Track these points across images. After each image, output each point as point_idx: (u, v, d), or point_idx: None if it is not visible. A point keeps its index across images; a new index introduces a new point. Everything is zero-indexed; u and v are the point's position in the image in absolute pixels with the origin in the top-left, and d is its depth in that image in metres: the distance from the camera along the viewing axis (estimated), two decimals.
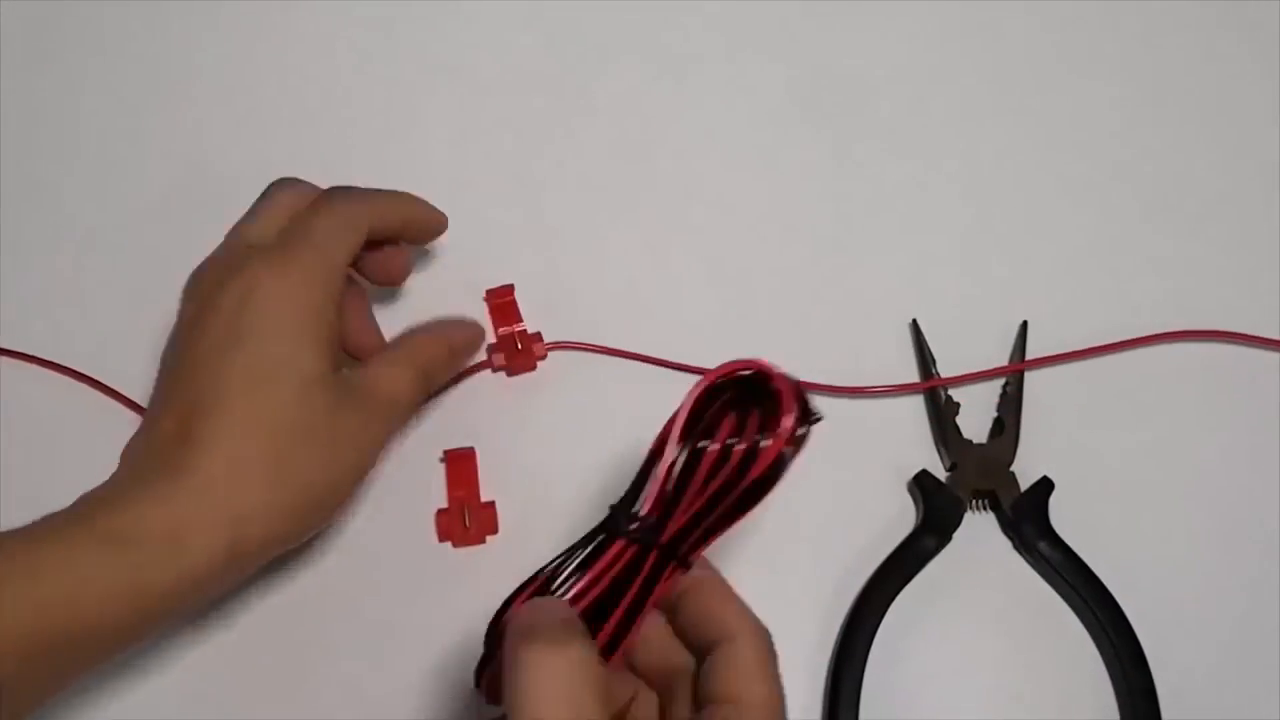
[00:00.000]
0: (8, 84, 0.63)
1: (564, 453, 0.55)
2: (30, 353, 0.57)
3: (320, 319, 0.46)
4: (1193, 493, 0.55)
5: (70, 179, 0.61)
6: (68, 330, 0.58)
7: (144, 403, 0.55)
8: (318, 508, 0.45)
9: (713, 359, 0.55)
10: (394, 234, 0.52)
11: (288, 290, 0.45)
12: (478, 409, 0.56)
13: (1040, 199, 0.61)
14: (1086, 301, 0.58)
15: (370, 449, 0.47)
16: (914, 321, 0.57)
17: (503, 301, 0.57)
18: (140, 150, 0.62)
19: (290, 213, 0.49)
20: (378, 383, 0.48)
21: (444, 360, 0.52)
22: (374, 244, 0.51)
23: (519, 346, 0.56)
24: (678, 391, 0.55)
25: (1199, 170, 0.61)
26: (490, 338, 0.57)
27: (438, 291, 0.58)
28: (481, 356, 0.56)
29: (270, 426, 0.43)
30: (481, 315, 0.57)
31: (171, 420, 0.44)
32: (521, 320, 0.57)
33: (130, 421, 0.55)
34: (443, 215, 0.54)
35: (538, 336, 0.56)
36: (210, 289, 0.46)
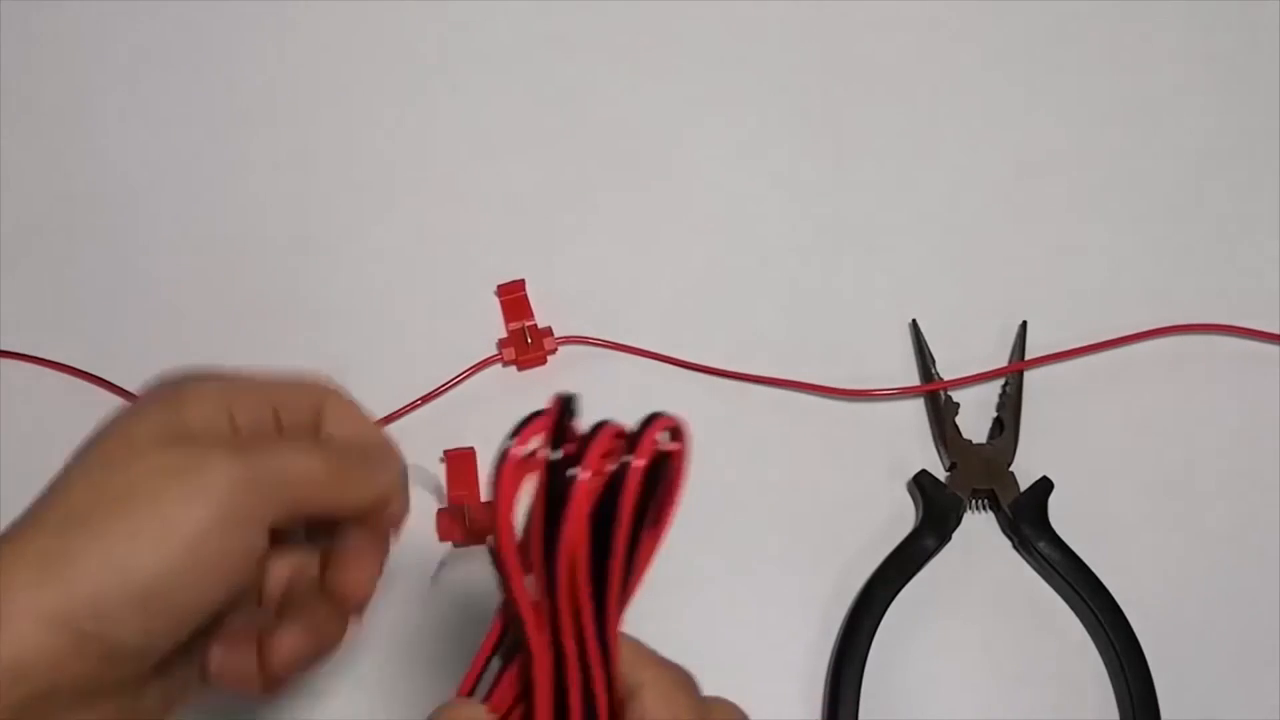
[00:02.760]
0: (8, 83, 0.61)
1: None
2: (30, 353, 0.54)
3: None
4: (1192, 490, 0.52)
5: (70, 177, 0.59)
6: (68, 330, 0.55)
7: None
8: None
9: (715, 357, 0.54)
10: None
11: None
12: (486, 402, 0.53)
13: (1039, 199, 0.59)
14: (1085, 300, 0.56)
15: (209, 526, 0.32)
16: (914, 321, 0.55)
17: (514, 296, 0.55)
18: (140, 149, 0.59)
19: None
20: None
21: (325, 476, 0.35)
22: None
23: (529, 341, 0.54)
24: (682, 389, 0.54)
25: (1196, 166, 0.59)
26: (502, 332, 0.54)
27: (451, 287, 0.56)
28: (492, 351, 0.54)
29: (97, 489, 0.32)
30: (493, 309, 0.55)
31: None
32: (532, 315, 0.55)
33: None
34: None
35: (548, 331, 0.54)
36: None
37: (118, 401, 0.53)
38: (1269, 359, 0.54)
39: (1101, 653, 0.49)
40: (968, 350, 0.54)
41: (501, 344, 0.54)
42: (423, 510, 0.50)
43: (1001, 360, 0.54)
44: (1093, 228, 0.58)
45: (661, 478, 0.29)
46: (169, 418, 0.34)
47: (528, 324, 0.54)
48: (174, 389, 0.36)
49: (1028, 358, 0.53)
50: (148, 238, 0.57)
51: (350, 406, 0.38)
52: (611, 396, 0.52)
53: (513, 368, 0.54)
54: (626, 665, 0.32)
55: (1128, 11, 0.62)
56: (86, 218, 0.58)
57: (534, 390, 0.53)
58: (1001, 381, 0.53)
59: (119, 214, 0.58)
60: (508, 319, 0.54)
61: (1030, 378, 0.53)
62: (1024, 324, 0.54)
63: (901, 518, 0.51)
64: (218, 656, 0.35)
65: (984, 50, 0.62)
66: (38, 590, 0.30)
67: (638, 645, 0.33)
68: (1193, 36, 0.62)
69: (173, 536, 0.31)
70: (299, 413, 0.37)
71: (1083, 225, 0.58)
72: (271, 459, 0.33)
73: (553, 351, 0.54)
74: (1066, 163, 0.59)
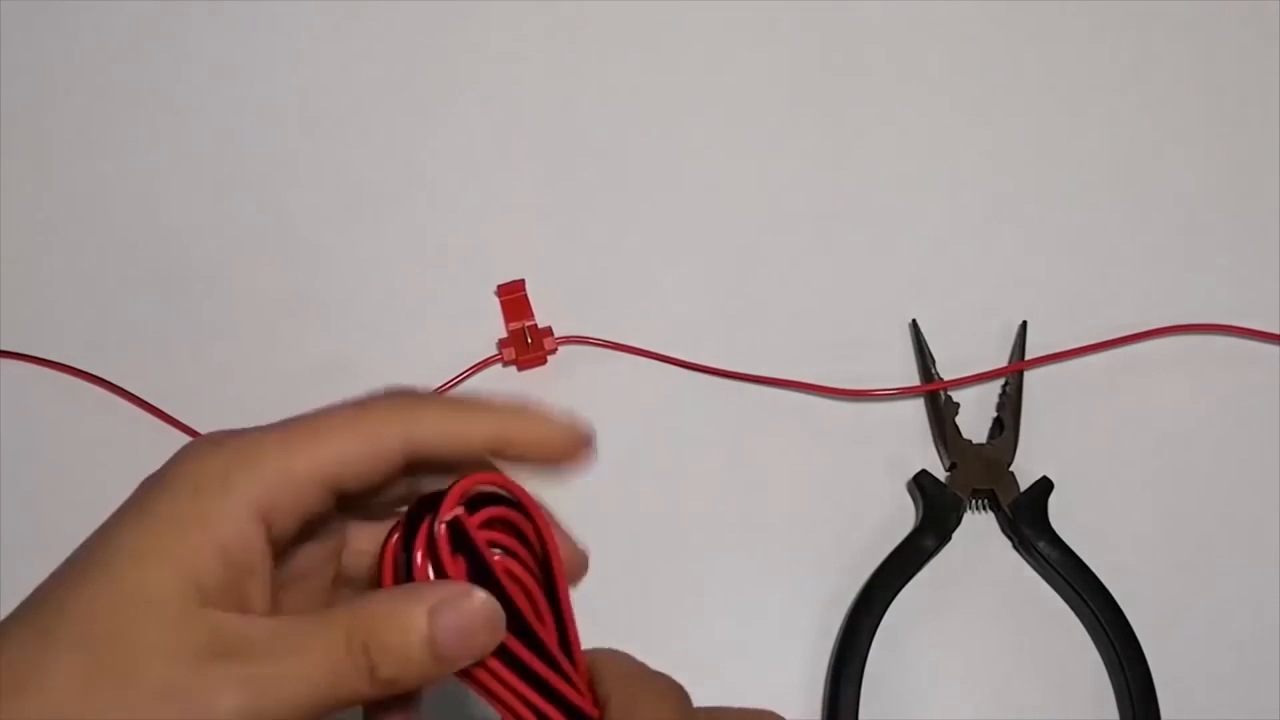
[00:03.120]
0: (8, 82, 0.60)
1: None
2: (30, 353, 0.53)
3: (231, 527, 0.28)
4: (1192, 490, 0.51)
5: (70, 177, 0.58)
6: (68, 330, 0.54)
7: (148, 398, 0.52)
8: None
9: (715, 357, 0.53)
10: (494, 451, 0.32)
11: (209, 473, 0.29)
12: None
13: (1039, 198, 0.58)
14: (1085, 300, 0.55)
15: None
16: (914, 321, 0.54)
17: (514, 296, 0.54)
18: (141, 148, 0.58)
19: None
20: (279, 647, 0.28)
21: (412, 642, 0.29)
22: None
23: (529, 341, 0.53)
24: (682, 389, 0.53)
25: (1196, 165, 0.58)
26: (502, 332, 0.54)
27: (451, 287, 0.55)
28: (492, 351, 0.53)
29: (84, 675, 0.26)
30: (494, 309, 0.54)
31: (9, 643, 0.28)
32: (532, 315, 0.54)
33: (135, 418, 0.51)
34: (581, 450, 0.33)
35: (548, 331, 0.54)
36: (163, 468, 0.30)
37: (118, 401, 0.52)
38: (1269, 359, 0.54)
39: (1101, 653, 0.48)
40: (968, 350, 0.53)
41: (501, 344, 0.53)
42: None
43: (1001, 360, 0.53)
44: (1093, 228, 0.57)
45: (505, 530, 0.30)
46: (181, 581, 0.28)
47: (528, 324, 0.53)
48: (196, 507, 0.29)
49: (1028, 358, 0.53)
50: (148, 238, 0.56)
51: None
52: (611, 396, 0.53)
53: (513, 368, 0.53)
54: (601, 683, 0.31)
55: (1128, 12, 0.62)
56: (86, 218, 0.57)
57: (534, 390, 0.53)
58: (1001, 381, 0.53)
59: (119, 213, 0.57)
60: (508, 319, 0.54)
61: (1030, 378, 0.53)
62: (1024, 324, 0.54)
63: (901, 518, 0.50)
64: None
65: (984, 50, 0.61)
66: None
67: (609, 661, 0.32)
68: (1193, 36, 0.61)
69: None
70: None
71: (1083, 225, 0.57)
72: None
73: (553, 351, 0.54)
74: (1066, 162, 0.58)
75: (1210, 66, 0.61)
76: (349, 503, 0.31)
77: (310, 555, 0.32)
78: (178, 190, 0.57)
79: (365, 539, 0.33)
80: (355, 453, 0.30)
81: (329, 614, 0.29)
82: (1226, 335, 0.54)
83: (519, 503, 0.30)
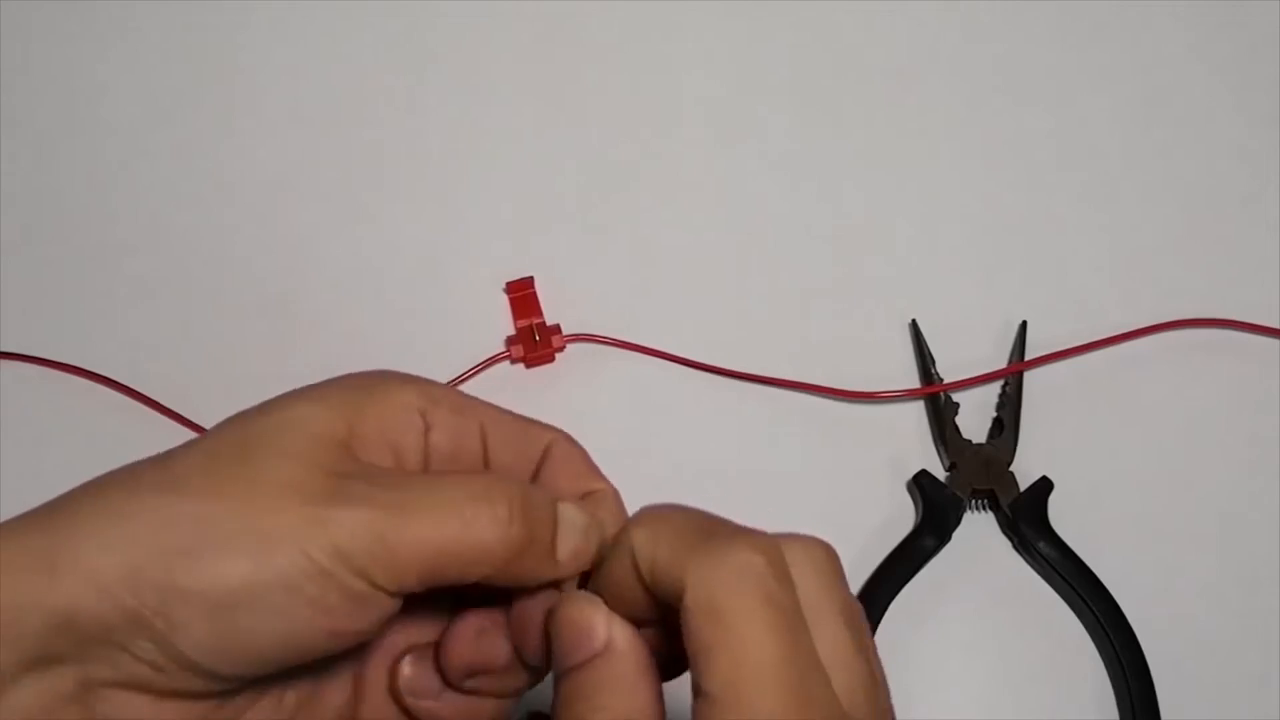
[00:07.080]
0: (9, 82, 0.58)
1: None
2: (30, 353, 0.52)
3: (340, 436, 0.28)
4: (1193, 489, 0.49)
5: (71, 177, 0.56)
6: (68, 330, 0.53)
7: (152, 396, 0.50)
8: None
9: (719, 356, 0.51)
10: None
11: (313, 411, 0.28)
12: (494, 399, 0.50)
13: (1039, 198, 0.56)
14: (1085, 298, 0.53)
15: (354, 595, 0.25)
16: (913, 322, 0.52)
17: (523, 294, 0.53)
18: (141, 147, 0.57)
19: None
20: (418, 485, 0.27)
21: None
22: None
23: (537, 338, 0.52)
24: (686, 387, 0.51)
25: (1196, 161, 0.56)
26: (510, 329, 0.52)
27: (459, 284, 0.54)
28: (500, 348, 0.52)
29: (205, 466, 0.26)
30: (502, 306, 0.53)
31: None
32: (541, 312, 0.52)
33: (142, 417, 0.50)
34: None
35: (556, 329, 0.52)
36: None
37: (119, 401, 0.51)
38: (1269, 353, 0.52)
39: (1101, 653, 0.46)
40: (968, 350, 0.51)
41: (510, 341, 0.52)
42: None
43: (1001, 360, 0.51)
44: (1093, 225, 0.55)
45: None
46: (336, 417, 0.27)
47: (536, 321, 0.52)
48: (370, 381, 0.29)
49: (1028, 358, 0.51)
50: (150, 237, 0.54)
51: (579, 458, 0.31)
52: (618, 394, 0.51)
53: (520, 365, 0.52)
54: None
55: (1128, 10, 0.60)
56: (87, 218, 0.55)
57: (541, 388, 0.51)
58: (1001, 381, 0.51)
59: (120, 213, 0.55)
60: (516, 316, 0.52)
61: (1030, 378, 0.51)
62: (1024, 324, 0.52)
63: (901, 518, 0.49)
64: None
65: (984, 50, 0.59)
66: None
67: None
68: (1193, 34, 0.59)
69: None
70: (513, 449, 0.30)
71: (1083, 223, 0.55)
72: (419, 521, 0.26)
73: (560, 349, 0.52)
74: (1066, 161, 0.56)
75: (1209, 63, 0.59)
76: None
77: None
78: (179, 189, 0.55)
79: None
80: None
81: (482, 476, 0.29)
82: (1226, 329, 0.52)
83: None
